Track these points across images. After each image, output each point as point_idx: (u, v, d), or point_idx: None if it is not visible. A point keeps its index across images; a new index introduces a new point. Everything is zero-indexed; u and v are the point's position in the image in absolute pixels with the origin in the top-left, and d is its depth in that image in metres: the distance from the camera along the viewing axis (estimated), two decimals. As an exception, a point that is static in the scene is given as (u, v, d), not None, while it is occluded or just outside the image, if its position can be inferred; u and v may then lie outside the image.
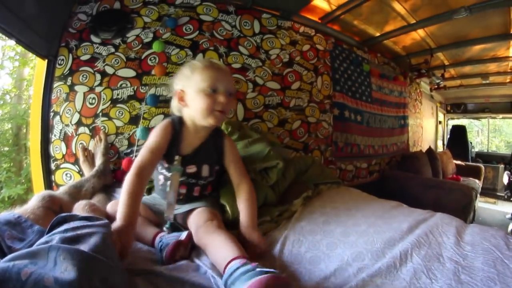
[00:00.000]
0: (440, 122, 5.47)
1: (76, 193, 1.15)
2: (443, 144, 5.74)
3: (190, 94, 0.91)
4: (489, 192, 4.87)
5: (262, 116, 1.91)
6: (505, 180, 4.02)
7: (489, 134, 6.65)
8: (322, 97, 2.26)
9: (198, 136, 0.98)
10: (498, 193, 4.81)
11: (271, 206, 1.12)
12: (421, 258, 0.79)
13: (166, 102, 1.62)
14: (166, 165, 0.96)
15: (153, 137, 0.92)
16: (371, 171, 2.75)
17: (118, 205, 0.78)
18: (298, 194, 1.20)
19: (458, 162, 4.41)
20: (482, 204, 4.22)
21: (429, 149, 3.70)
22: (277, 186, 1.21)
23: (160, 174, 0.99)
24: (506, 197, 3.91)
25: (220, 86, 0.90)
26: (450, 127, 5.94)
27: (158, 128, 0.94)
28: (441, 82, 3.95)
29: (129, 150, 1.57)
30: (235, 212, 0.97)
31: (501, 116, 5.67)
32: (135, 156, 1.49)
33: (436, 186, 2.62)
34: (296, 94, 2.08)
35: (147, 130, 1.54)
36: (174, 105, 0.98)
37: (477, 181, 3.88)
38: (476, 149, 6.22)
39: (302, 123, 2.08)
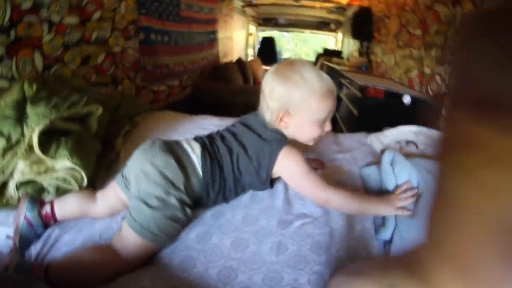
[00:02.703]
0: (250, 34, 6.05)
1: None
2: (254, 53, 6.58)
3: (297, 120, 0.79)
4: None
5: (63, 59, 1.64)
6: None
7: (298, 44, 7.98)
8: (126, 23, 2.19)
9: None
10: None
11: (102, 157, 1.05)
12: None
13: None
14: None
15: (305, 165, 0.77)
16: (184, 86, 3.09)
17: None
18: (116, 133, 1.17)
19: (268, 67, 5.53)
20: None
21: (239, 58, 4.02)
22: (97, 133, 1.08)
23: None
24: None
25: (330, 114, 0.81)
26: (260, 38, 6.80)
27: (299, 154, 0.78)
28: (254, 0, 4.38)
29: None
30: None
31: (308, 31, 6.87)
32: None
33: (247, 92, 2.88)
34: (98, 25, 1.89)
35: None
36: (269, 119, 0.83)
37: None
38: (286, 56, 7.57)
39: (107, 56, 1.99)
